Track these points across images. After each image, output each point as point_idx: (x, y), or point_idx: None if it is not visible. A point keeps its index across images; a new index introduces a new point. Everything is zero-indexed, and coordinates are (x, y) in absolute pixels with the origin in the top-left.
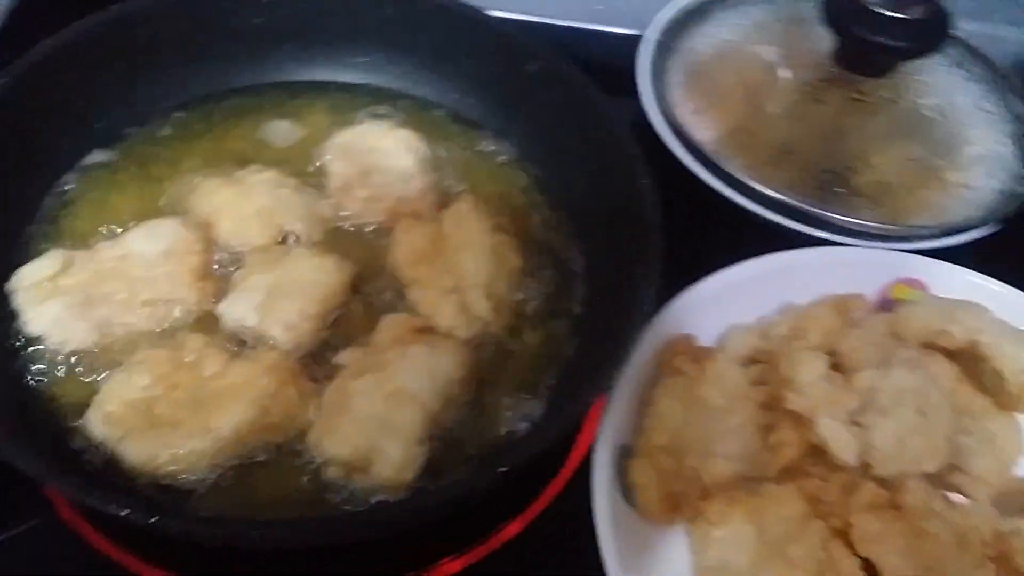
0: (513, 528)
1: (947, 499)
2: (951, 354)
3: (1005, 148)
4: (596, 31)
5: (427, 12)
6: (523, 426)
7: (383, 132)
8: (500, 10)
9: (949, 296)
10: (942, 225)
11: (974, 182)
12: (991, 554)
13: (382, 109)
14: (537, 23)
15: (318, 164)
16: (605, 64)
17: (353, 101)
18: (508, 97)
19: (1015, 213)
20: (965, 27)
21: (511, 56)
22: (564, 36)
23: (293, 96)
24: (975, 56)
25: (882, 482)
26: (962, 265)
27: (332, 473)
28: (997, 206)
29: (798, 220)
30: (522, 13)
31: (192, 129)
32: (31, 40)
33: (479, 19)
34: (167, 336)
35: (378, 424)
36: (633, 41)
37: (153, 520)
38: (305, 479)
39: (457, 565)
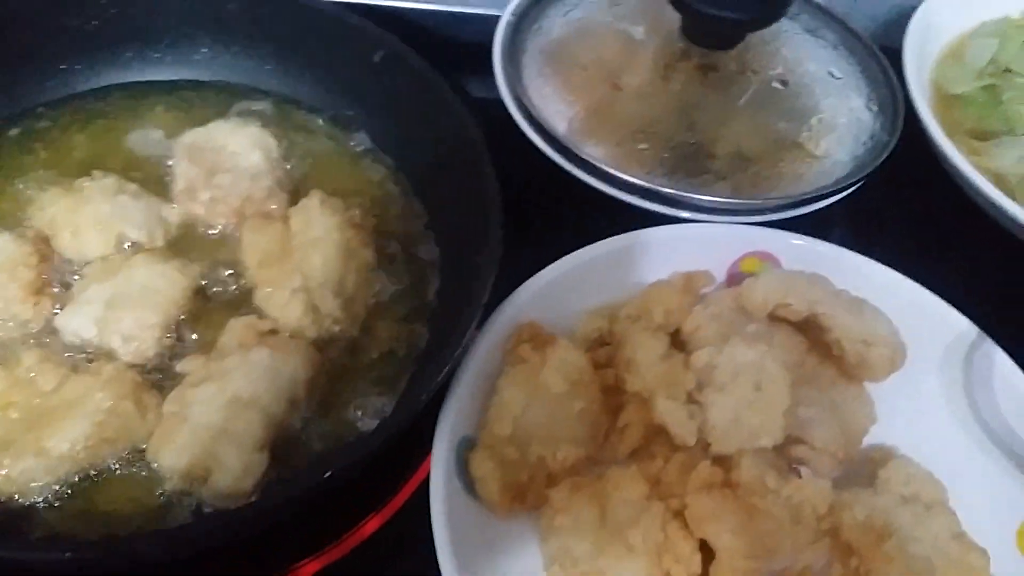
0: (371, 526)
1: (782, 474)
2: (799, 326)
3: (855, 114)
4: (460, 13)
5: (274, 5)
6: (375, 424)
7: (230, 130)
8: None
9: (800, 267)
10: (793, 196)
11: (825, 151)
12: (826, 527)
13: (233, 106)
14: (401, 8)
15: (167, 165)
16: (470, 47)
17: (203, 99)
18: (359, 88)
19: (866, 179)
20: None
21: (356, 46)
22: (427, 19)
23: (139, 97)
24: (828, 19)
25: (722, 460)
26: (818, 235)
27: (172, 485)
28: (848, 173)
29: (653, 201)
30: None
31: (31, 139)
32: None
33: (321, 9)
34: (3, 353)
35: (215, 433)
36: (495, 22)
37: None
38: (152, 492)
39: (315, 566)
